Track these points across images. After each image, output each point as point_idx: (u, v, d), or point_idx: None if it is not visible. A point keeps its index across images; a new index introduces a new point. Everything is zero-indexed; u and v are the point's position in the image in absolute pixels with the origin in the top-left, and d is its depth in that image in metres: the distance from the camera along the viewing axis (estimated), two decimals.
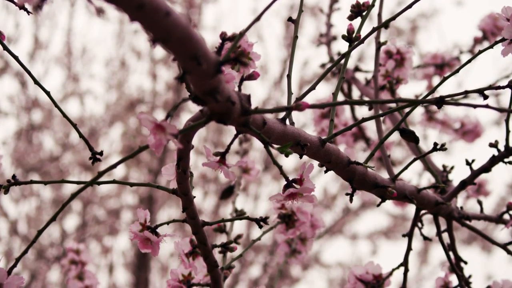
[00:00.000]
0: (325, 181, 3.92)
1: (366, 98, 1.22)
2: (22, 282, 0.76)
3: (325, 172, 0.87)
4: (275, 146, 0.72)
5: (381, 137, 0.90)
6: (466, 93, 0.78)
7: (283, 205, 0.98)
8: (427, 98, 0.74)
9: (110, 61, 3.87)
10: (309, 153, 0.79)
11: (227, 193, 1.13)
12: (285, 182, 0.75)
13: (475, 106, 0.69)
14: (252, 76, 0.75)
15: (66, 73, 3.91)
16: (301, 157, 0.82)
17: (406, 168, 0.89)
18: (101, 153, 0.89)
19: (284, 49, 3.77)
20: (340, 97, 1.27)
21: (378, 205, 0.89)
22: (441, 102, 0.69)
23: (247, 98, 0.69)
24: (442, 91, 1.34)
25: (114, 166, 0.75)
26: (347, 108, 1.36)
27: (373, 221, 4.80)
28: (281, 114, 0.77)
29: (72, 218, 3.73)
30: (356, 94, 1.26)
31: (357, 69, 1.23)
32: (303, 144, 0.76)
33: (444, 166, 1.03)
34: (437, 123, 1.34)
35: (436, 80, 1.33)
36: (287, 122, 0.77)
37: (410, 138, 0.87)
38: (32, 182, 0.88)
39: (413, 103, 0.74)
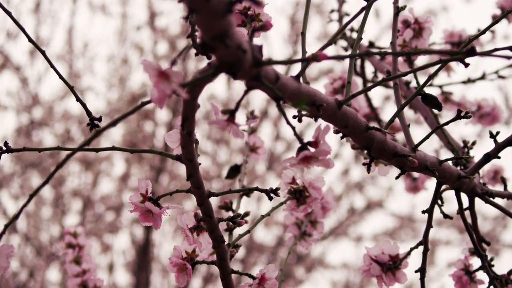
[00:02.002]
0: (329, 181, 3.86)
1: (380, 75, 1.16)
2: (12, 251, 0.69)
3: (342, 138, 0.81)
4: (289, 102, 0.66)
5: (399, 105, 0.84)
6: (495, 51, 0.72)
7: (294, 180, 0.92)
8: (462, 50, 0.68)
9: (112, 58, 3.82)
10: (325, 115, 0.73)
11: (233, 172, 1.07)
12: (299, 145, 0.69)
13: (509, 57, 0.63)
14: (265, 27, 0.69)
15: (67, 71, 3.86)
16: (316, 119, 0.76)
17: (427, 137, 0.83)
18: (99, 119, 0.83)
19: (289, 46, 3.72)
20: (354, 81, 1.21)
21: (397, 178, 0.83)
22: (472, 53, 0.63)
23: (259, 48, 0.63)
24: (459, 72, 1.28)
25: (113, 123, 0.70)
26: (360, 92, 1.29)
27: (378, 222, 4.73)
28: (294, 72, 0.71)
29: (72, 218, 3.68)
30: (369, 70, 1.20)
31: (371, 44, 1.17)
32: (318, 104, 0.70)
33: (464, 142, 0.97)
34: (453, 105, 1.27)
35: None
36: (301, 80, 0.71)
37: (433, 104, 0.81)
38: (25, 149, 0.82)
39: (442, 54, 0.67)
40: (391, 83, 1.27)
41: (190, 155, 0.74)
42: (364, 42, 1.18)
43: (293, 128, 0.70)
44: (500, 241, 3.77)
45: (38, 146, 3.52)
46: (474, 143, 0.97)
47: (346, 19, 1.29)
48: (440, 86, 1.27)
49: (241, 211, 0.94)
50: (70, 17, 3.98)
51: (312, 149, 0.69)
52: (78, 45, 4.00)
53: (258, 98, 4.16)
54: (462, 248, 0.96)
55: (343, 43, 1.20)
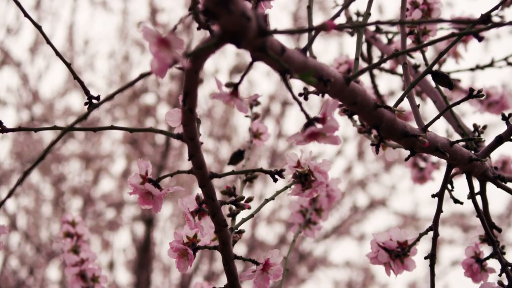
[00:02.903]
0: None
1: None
2: (4, 231, 0.66)
3: (349, 116, 0.78)
4: (296, 75, 0.63)
5: (408, 84, 0.81)
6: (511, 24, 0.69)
7: (299, 163, 0.89)
8: (478, 27, 0.65)
9: (112, 54, 3.80)
10: (332, 91, 0.70)
11: (236, 157, 1.04)
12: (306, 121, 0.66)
13: None
14: None
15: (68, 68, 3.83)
16: (323, 95, 0.73)
17: (438, 117, 0.80)
18: (97, 98, 0.80)
19: (291, 43, 3.68)
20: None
21: (407, 159, 0.80)
22: (487, 20, 0.60)
23: (264, 17, 0.60)
24: (468, 59, 1.25)
25: (111, 96, 0.67)
26: (366, 78, 1.26)
27: (381, 221, 4.70)
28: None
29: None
30: (376, 54, 1.17)
31: (377, 29, 1.13)
32: (326, 79, 0.67)
33: (475, 126, 0.94)
34: (461, 92, 1.24)
35: (460, 46, 1.24)
36: (308, 55, 0.68)
37: (444, 82, 0.79)
38: (20, 129, 0.79)
39: (457, 23, 0.64)
40: (399, 71, 1.24)
41: (191, 133, 0.71)
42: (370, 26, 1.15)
43: (300, 103, 0.67)
44: (505, 239, 3.73)
45: (38, 142, 3.50)
46: (485, 127, 0.94)
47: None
48: (448, 73, 1.24)
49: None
50: (71, 14, 3.96)
51: (319, 125, 0.66)
52: (79, 42, 3.97)
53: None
54: (472, 236, 0.93)
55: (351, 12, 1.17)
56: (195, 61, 0.64)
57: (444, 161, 1.37)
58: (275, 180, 0.79)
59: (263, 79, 3.95)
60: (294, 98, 0.66)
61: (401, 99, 0.77)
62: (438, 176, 1.34)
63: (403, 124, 0.76)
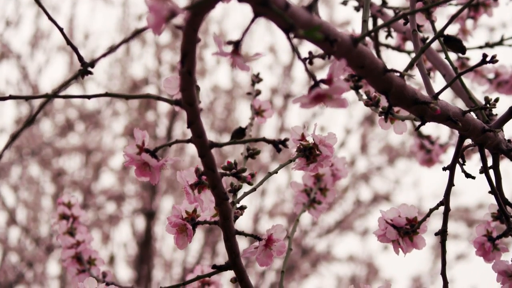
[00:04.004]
0: None
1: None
2: None
3: (357, 80, 0.75)
4: (301, 31, 0.59)
5: (417, 52, 0.77)
6: None
7: (303, 136, 0.85)
8: None
9: (113, 47, 3.75)
10: (339, 53, 0.66)
11: (238, 135, 1.00)
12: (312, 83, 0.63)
13: None
14: None
15: (68, 61, 3.80)
16: (329, 57, 0.69)
17: (449, 85, 0.76)
18: (92, 65, 0.76)
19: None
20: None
21: (417, 129, 0.76)
22: None
23: None
24: (476, 36, 1.21)
25: (104, 54, 0.63)
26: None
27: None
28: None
29: None
30: (382, 35, 1.13)
31: (384, 3, 1.09)
32: (332, 39, 0.63)
33: (487, 99, 0.90)
34: (469, 71, 1.20)
35: (469, 22, 1.20)
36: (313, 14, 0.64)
37: (456, 47, 0.75)
38: (11, 97, 0.75)
39: None
40: (406, 48, 1.20)
41: (190, 98, 0.67)
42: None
43: (305, 63, 0.63)
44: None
45: (39, 137, 3.47)
46: (497, 100, 0.90)
47: None
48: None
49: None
50: (71, 7, 3.93)
51: (325, 87, 0.62)
52: (79, 36, 3.94)
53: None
54: (484, 213, 0.89)
55: (354, 2, 1.13)
56: (194, 18, 0.60)
57: (451, 144, 1.34)
58: (279, 150, 0.75)
59: (265, 72, 3.90)
60: (300, 58, 0.62)
61: (411, 64, 0.73)
62: (446, 158, 1.30)
63: (413, 90, 0.72)
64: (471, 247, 3.67)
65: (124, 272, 3.75)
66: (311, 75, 0.62)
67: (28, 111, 3.61)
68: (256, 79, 1.07)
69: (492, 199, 0.85)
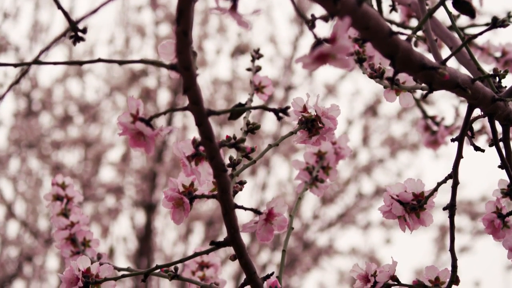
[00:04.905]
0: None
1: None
2: None
3: (362, 43, 0.71)
4: None
5: (424, 15, 0.74)
6: None
7: (305, 108, 0.82)
8: None
9: (112, 40, 3.73)
10: (343, 12, 0.62)
11: (237, 112, 0.97)
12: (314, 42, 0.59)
13: None
14: None
15: (67, 54, 3.77)
16: (332, 17, 0.66)
17: (457, 51, 0.73)
18: (84, 30, 0.73)
19: (295, 27, 3.62)
20: None
21: (424, 97, 0.73)
22: None
23: None
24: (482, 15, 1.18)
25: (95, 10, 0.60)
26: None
27: None
28: None
29: None
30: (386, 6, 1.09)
31: None
32: None
33: (495, 70, 0.87)
34: (476, 50, 1.17)
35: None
36: None
37: (465, 9, 0.71)
38: (2, 64, 0.72)
39: None
40: (411, 24, 1.16)
41: (186, 62, 0.64)
42: None
43: (307, 22, 0.60)
44: None
45: (38, 130, 3.43)
46: (506, 71, 0.87)
47: None
48: (462, 29, 1.17)
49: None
50: (70, 0, 3.90)
51: (328, 46, 0.59)
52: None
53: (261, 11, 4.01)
54: (493, 190, 0.86)
55: None
56: None
57: (456, 127, 1.30)
58: (279, 119, 0.71)
59: (266, 65, 3.86)
60: (301, 16, 0.59)
61: (418, 28, 0.70)
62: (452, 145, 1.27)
63: (421, 55, 0.69)
64: (474, 240, 3.65)
65: (123, 266, 3.71)
66: (314, 34, 0.59)
67: (27, 104, 3.59)
68: (256, 55, 1.04)
69: (503, 175, 0.82)
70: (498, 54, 1.21)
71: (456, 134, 1.17)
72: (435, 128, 1.25)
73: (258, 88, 1.00)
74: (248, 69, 1.04)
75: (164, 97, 3.56)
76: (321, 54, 0.59)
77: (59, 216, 1.01)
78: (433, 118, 1.25)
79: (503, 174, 0.84)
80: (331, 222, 3.80)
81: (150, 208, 3.46)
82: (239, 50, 3.55)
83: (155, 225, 3.60)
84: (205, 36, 3.49)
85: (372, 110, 3.67)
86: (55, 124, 3.51)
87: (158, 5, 3.54)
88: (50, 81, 3.71)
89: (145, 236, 3.48)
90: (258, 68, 1.03)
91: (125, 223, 3.62)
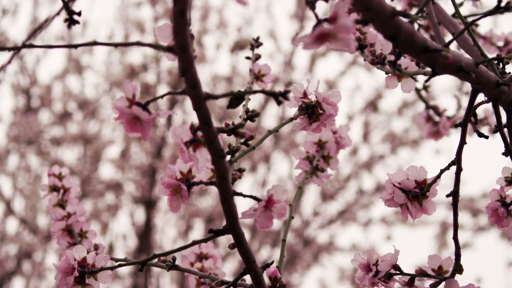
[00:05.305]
0: None
1: None
2: None
3: (364, 24, 0.70)
4: None
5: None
6: None
7: (306, 94, 0.80)
8: None
9: (112, 37, 3.72)
10: None
11: (236, 100, 0.95)
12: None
13: None
14: None
15: (66, 51, 3.75)
16: None
17: (460, 34, 0.71)
18: (79, 13, 0.71)
19: (295, 23, 3.61)
20: None
21: (427, 81, 0.71)
22: None
23: None
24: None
25: None
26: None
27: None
28: None
29: None
30: None
31: None
32: None
33: (499, 55, 0.85)
34: (478, 38, 1.15)
35: None
36: None
37: None
38: None
39: None
40: (413, 12, 1.15)
41: (183, 43, 0.62)
42: None
43: (308, 2, 0.58)
44: None
45: (37, 126, 3.42)
46: (510, 57, 0.85)
47: None
48: (465, 17, 1.15)
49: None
50: None
51: (330, 26, 0.57)
52: (77, 26, 3.88)
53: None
54: (497, 178, 0.84)
55: None
56: None
57: (458, 117, 1.28)
58: (279, 103, 0.70)
59: (266, 61, 3.84)
60: None
61: (420, 10, 0.68)
62: (454, 132, 1.26)
63: (424, 38, 0.67)
64: (475, 237, 3.63)
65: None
66: (315, 15, 0.58)
67: (26, 101, 3.57)
68: (256, 43, 1.02)
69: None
70: (500, 43, 1.19)
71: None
72: (436, 118, 1.23)
73: (257, 77, 0.98)
74: (248, 58, 1.02)
75: (163, 91, 3.55)
76: (322, 34, 0.57)
77: (55, 207, 1.00)
78: (435, 108, 1.23)
79: (506, 163, 0.82)
80: (332, 219, 3.78)
81: (149, 205, 3.45)
82: (238, 46, 3.53)
83: (155, 222, 3.58)
84: (204, 31, 3.48)
85: (372, 105, 3.65)
86: (54, 121, 3.49)
87: (157, 1, 3.52)
88: (49, 77, 3.70)
89: (145, 233, 3.46)
90: (258, 57, 1.01)
91: (124, 220, 3.61)
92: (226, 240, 3.48)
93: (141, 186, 3.40)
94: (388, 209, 3.51)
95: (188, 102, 3.55)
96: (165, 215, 3.63)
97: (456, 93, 1.38)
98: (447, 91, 3.23)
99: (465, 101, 1.34)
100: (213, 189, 3.48)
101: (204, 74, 3.51)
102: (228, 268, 3.59)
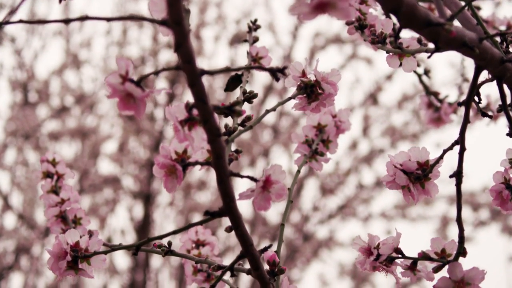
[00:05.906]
0: (336, 156, 3.71)
1: None
2: None
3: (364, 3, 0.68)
4: None
5: None
6: None
7: (304, 73, 0.78)
8: None
9: (110, 31, 3.70)
10: None
11: (233, 82, 0.93)
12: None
13: None
14: None
15: (65, 46, 3.73)
16: None
17: (462, 9, 0.69)
18: None
19: (293, 17, 3.57)
20: None
21: (429, 57, 0.69)
22: None
23: None
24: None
25: None
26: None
27: (388, 199, 4.57)
28: None
29: None
30: None
31: None
32: None
33: (502, 35, 0.83)
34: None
35: None
36: None
37: None
38: None
39: None
40: None
41: (177, 16, 0.60)
42: None
43: None
44: None
45: (34, 121, 3.39)
46: None
47: None
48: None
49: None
50: None
51: None
52: (75, 22, 3.86)
53: (262, 76, 4.03)
54: (501, 160, 0.82)
55: None
56: None
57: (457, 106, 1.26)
58: (277, 79, 0.67)
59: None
60: None
61: None
62: (456, 118, 1.23)
63: (426, 11, 0.65)
64: (475, 231, 3.60)
65: (121, 259, 3.68)
66: None
67: (23, 96, 3.55)
68: (253, 26, 1.00)
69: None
70: (503, 27, 1.17)
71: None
72: (438, 104, 1.21)
73: (255, 59, 0.96)
74: (245, 40, 1.00)
75: (161, 86, 3.53)
76: (321, 3, 0.55)
77: (49, 193, 0.98)
78: (436, 94, 1.21)
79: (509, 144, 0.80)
80: (331, 214, 3.76)
81: (148, 199, 3.42)
82: (237, 39, 3.51)
83: (153, 217, 3.56)
84: (203, 24, 3.46)
85: (372, 98, 3.63)
86: (52, 115, 3.47)
87: None
88: (47, 72, 3.68)
89: (143, 228, 3.44)
90: (256, 39, 0.99)
91: (122, 215, 3.59)
92: (224, 238, 3.46)
93: (140, 180, 3.38)
94: (388, 203, 3.47)
95: (185, 98, 3.52)
96: (163, 210, 3.61)
97: (457, 81, 1.36)
98: (448, 84, 3.20)
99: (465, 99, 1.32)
100: (212, 183, 3.45)
101: (202, 67, 3.48)
102: (227, 263, 3.56)
